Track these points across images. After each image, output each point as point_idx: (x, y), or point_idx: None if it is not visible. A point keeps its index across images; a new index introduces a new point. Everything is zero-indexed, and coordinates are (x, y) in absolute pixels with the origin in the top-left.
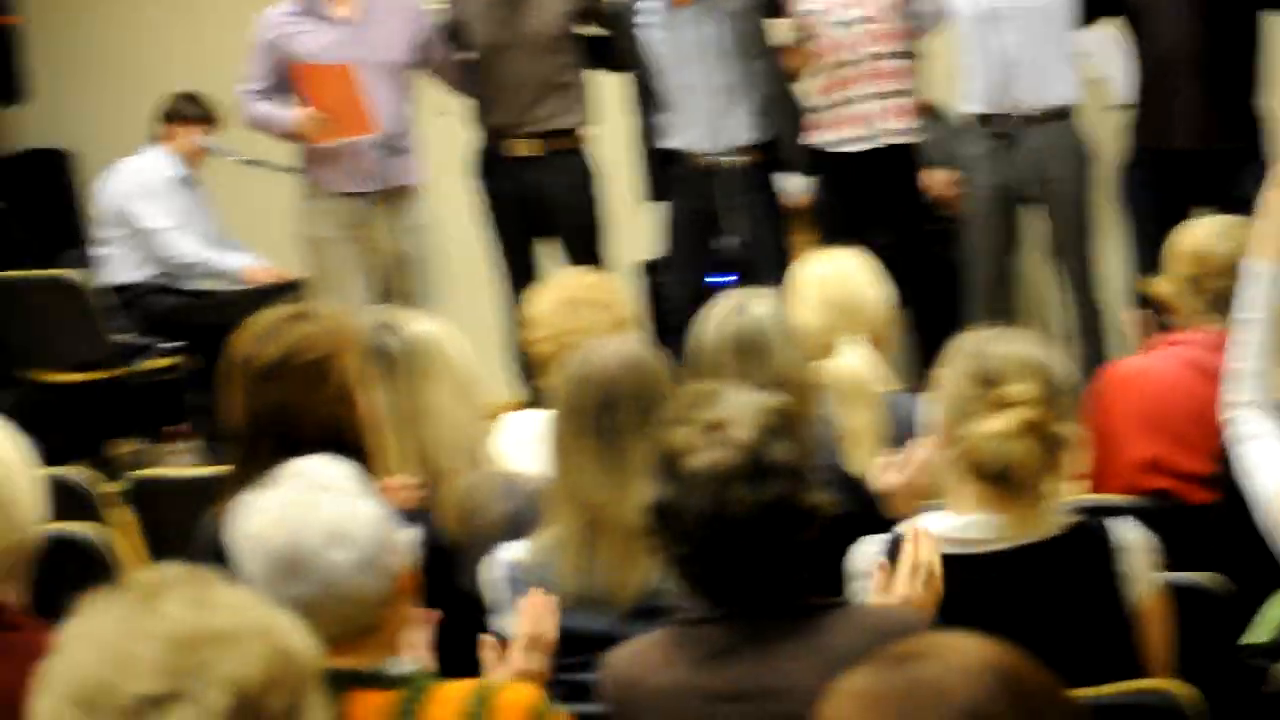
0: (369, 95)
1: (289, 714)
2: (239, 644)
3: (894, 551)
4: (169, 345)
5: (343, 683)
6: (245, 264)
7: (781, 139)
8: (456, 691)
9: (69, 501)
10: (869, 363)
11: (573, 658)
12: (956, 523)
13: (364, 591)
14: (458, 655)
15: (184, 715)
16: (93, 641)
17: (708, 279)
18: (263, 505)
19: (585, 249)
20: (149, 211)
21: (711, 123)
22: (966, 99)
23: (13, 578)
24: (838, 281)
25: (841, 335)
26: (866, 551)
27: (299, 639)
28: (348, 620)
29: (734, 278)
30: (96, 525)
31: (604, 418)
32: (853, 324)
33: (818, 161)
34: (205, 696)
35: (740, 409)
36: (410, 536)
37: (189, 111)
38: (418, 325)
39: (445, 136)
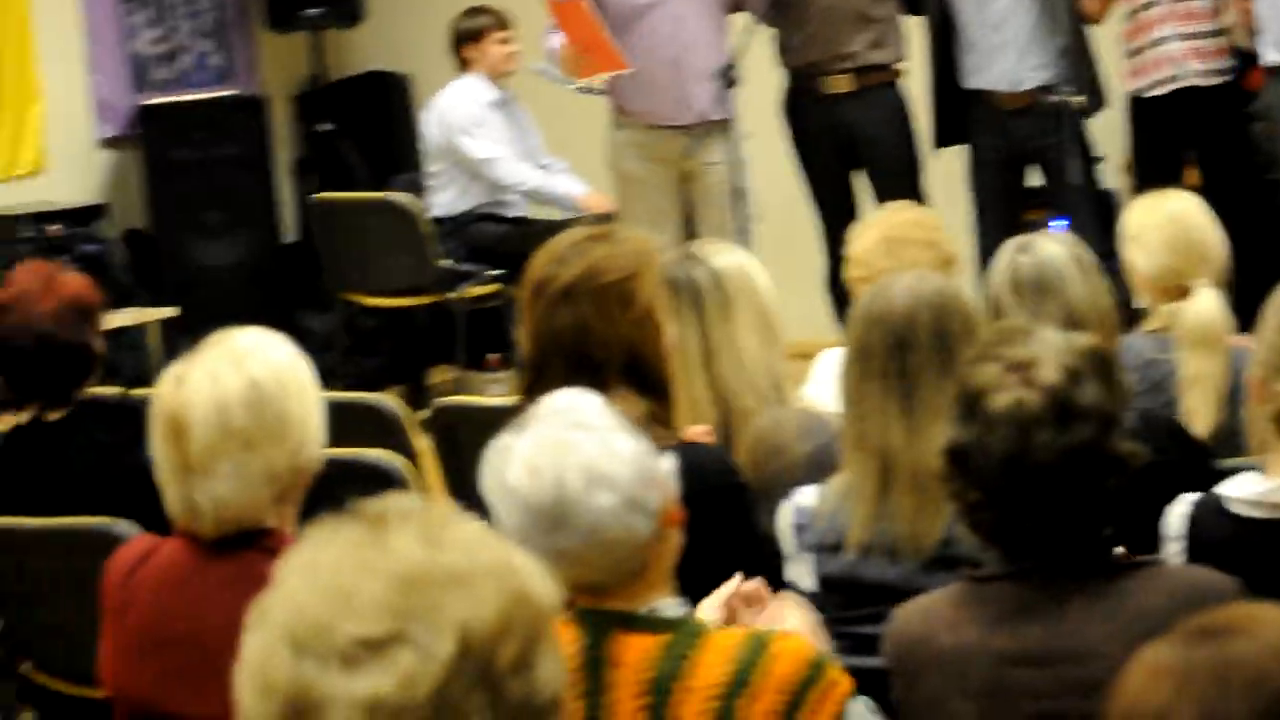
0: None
1: (521, 663)
2: (470, 585)
3: (1204, 513)
4: (493, 273)
5: (610, 625)
6: (580, 191)
7: (1079, 80)
8: (729, 638)
9: (378, 427)
10: (1222, 308)
11: (863, 609)
12: (1269, 485)
13: (630, 534)
14: None
15: (405, 661)
16: (312, 576)
17: (1032, 224)
18: (516, 450)
19: (901, 186)
20: (475, 143)
21: (1015, 63)
22: (1268, 46)
23: (287, 502)
24: (1181, 224)
25: (1187, 279)
26: (1179, 511)
27: (537, 582)
28: (613, 566)
29: (1065, 221)
30: (400, 453)
31: (897, 359)
32: (1199, 268)
33: (1129, 106)
34: (430, 641)
35: (1049, 348)
36: (673, 466)
37: (478, 26)
38: (721, 258)
39: (755, 70)
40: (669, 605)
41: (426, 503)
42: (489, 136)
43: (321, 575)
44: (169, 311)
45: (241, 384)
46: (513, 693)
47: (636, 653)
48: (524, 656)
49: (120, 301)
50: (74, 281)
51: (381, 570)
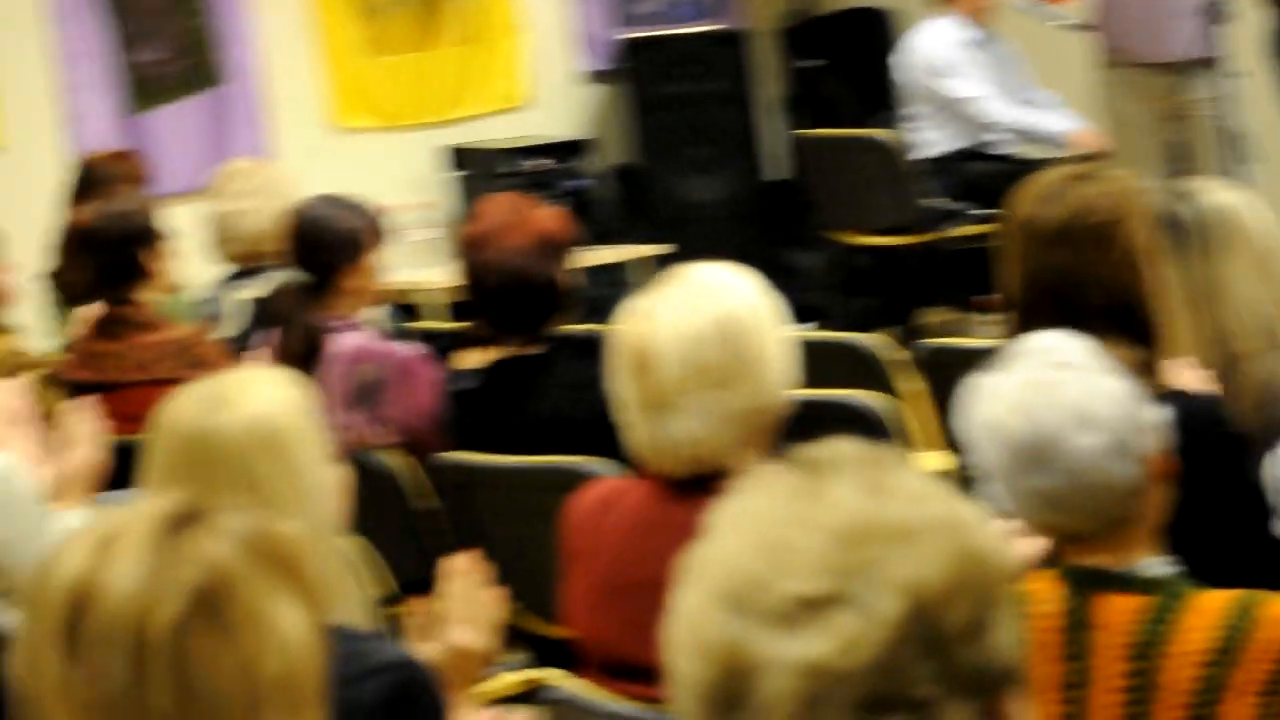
0: None
1: (972, 627)
2: (918, 541)
3: None
4: (980, 212)
5: (1089, 583)
6: (1067, 127)
7: None
8: (1215, 601)
9: (862, 368)
10: None
11: None
12: None
13: (1114, 480)
14: (1235, 558)
15: (847, 622)
16: (747, 528)
17: None
18: (999, 389)
19: None
20: (954, 83)
21: None
22: None
23: (753, 444)
24: None
25: None
26: None
27: (991, 539)
28: (1096, 513)
29: None
30: (883, 394)
31: None
32: None
33: None
34: (873, 601)
35: None
36: (1163, 415)
37: None
38: (1216, 196)
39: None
40: (1155, 564)
41: (872, 449)
42: (968, 76)
43: (757, 528)
44: (656, 248)
45: (712, 319)
46: (963, 659)
47: (1119, 614)
48: (975, 620)
49: (604, 237)
50: (544, 216)
51: (822, 523)
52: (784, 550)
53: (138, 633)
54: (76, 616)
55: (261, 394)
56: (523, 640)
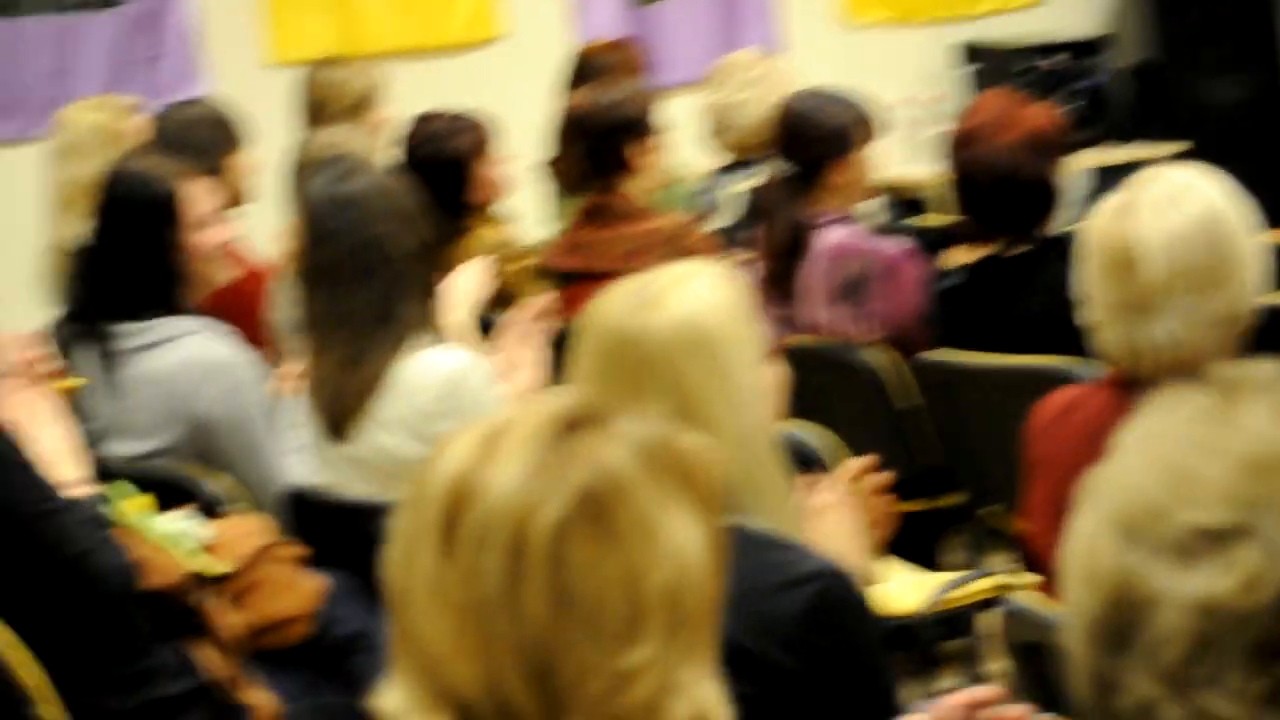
0: None
1: None
2: None
3: None
4: None
5: None
6: None
7: None
8: None
9: None
10: None
11: None
12: None
13: None
14: None
15: (1249, 558)
16: (1152, 452)
17: None
18: None
19: None
20: None
21: None
22: None
23: (1226, 351)
24: None
25: None
26: None
27: None
28: None
29: None
30: None
31: None
32: None
33: None
34: (1277, 537)
35: None
36: None
37: None
38: None
39: None
40: None
41: None
42: None
43: (1162, 452)
44: (1171, 147)
45: (1195, 220)
46: None
47: None
48: None
49: (1119, 136)
50: (1036, 114)
51: (1231, 450)
52: (1187, 477)
53: (516, 533)
54: (455, 513)
55: (694, 293)
56: (1002, 542)
